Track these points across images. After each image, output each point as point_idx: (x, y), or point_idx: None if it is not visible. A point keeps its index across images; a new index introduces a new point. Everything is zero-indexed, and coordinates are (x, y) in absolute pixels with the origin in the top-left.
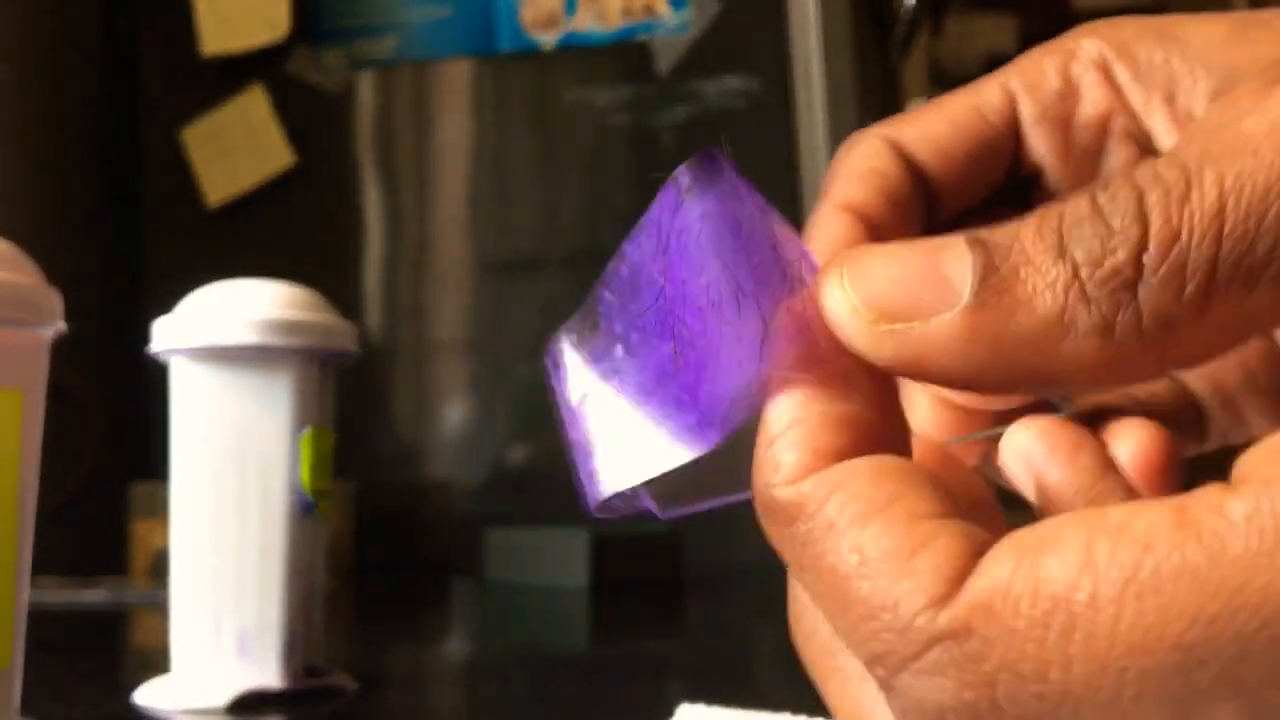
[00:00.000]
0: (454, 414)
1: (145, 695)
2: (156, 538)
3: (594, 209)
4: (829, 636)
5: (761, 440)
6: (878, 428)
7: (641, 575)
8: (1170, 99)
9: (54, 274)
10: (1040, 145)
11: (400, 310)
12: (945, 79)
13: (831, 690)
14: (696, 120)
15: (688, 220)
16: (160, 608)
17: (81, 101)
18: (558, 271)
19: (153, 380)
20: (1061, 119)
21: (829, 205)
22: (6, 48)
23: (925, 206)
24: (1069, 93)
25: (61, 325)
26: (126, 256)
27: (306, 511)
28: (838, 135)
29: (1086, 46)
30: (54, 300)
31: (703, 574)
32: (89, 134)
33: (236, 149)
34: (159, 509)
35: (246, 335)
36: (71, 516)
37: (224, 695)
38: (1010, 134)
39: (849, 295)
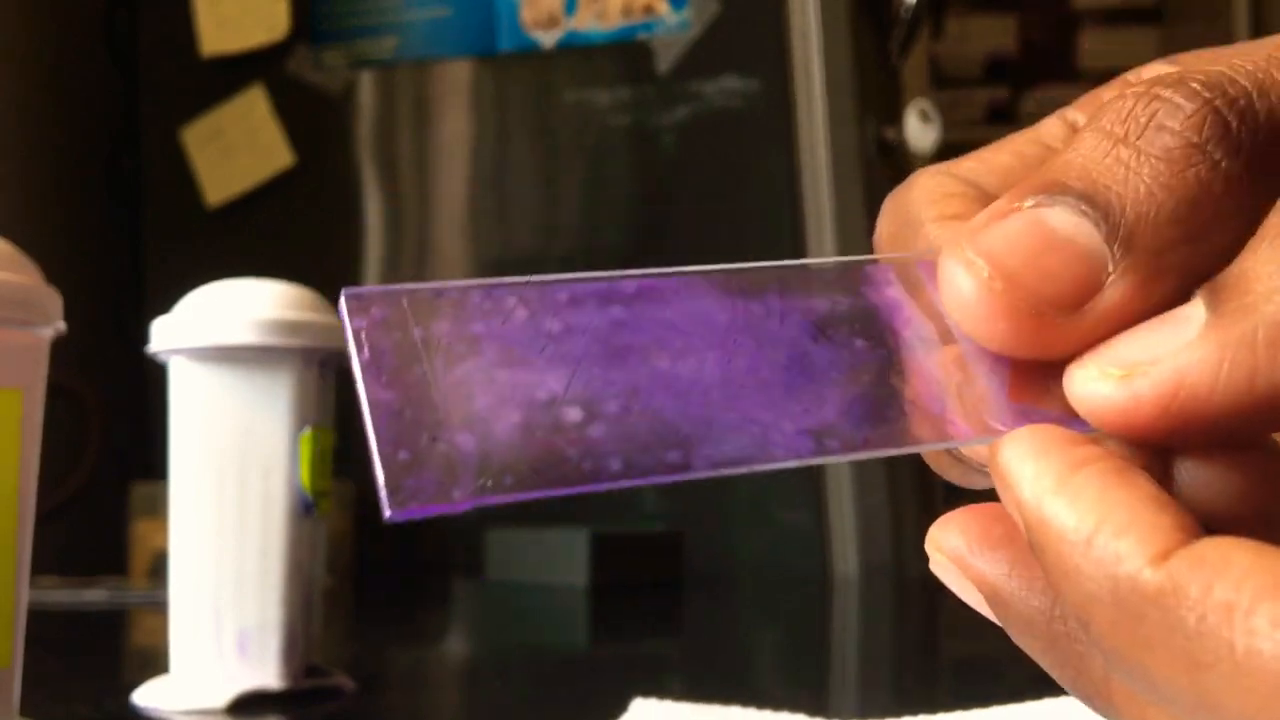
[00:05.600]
0: None
1: (145, 695)
2: (156, 538)
3: (594, 209)
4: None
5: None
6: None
7: (641, 575)
8: None
9: (54, 274)
10: None
11: None
12: (945, 79)
13: None
14: (696, 120)
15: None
16: (160, 608)
17: (81, 101)
18: (557, 271)
19: (152, 380)
20: None
21: (931, 225)
22: (6, 48)
23: None
24: None
25: (61, 325)
26: (126, 256)
27: (306, 511)
28: (838, 135)
29: (1148, 71)
30: (54, 300)
31: (703, 574)
32: (89, 134)
33: (236, 149)
34: (159, 509)
35: (246, 335)
36: (71, 516)
37: (224, 695)
38: None
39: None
